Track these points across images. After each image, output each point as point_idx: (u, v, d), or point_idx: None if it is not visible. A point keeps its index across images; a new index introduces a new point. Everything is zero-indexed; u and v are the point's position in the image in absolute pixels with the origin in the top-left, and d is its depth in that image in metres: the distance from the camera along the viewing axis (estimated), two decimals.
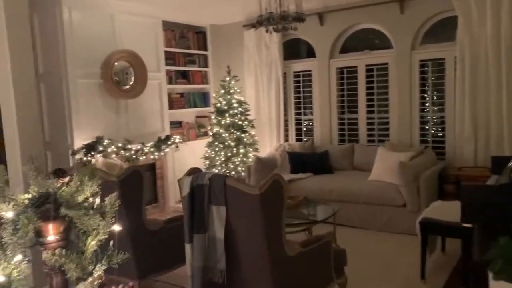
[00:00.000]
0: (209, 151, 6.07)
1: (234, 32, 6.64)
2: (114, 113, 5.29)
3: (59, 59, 4.76)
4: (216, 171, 5.87)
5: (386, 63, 5.67)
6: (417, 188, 4.46)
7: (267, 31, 4.27)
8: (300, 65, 6.43)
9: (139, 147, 5.26)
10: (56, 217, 1.45)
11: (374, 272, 3.64)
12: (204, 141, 6.31)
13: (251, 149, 6.05)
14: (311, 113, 6.40)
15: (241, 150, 5.95)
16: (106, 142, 4.86)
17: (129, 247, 3.05)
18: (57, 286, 1.57)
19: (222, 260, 2.45)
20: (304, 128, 6.59)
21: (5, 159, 3.28)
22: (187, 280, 2.62)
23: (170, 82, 6.14)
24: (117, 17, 5.28)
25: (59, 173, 1.65)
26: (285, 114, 6.53)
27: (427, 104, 5.54)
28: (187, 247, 2.57)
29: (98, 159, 4.76)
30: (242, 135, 5.99)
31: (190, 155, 6.14)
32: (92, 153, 4.73)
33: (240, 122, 5.98)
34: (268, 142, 6.51)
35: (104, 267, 1.49)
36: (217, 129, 6.00)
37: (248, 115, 6.09)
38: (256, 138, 6.17)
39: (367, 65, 5.83)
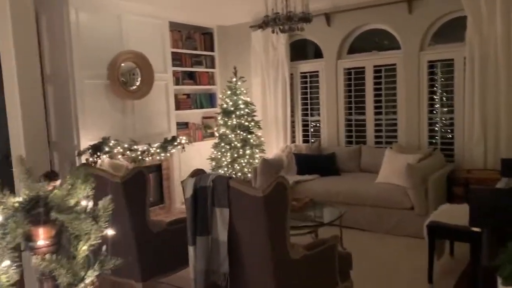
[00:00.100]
0: (215, 152, 6.06)
1: (241, 33, 6.62)
2: (120, 114, 5.30)
3: (66, 60, 4.77)
4: (222, 172, 5.85)
5: (394, 64, 5.61)
6: (425, 191, 4.41)
7: (273, 31, 4.24)
8: (307, 66, 6.39)
9: (145, 148, 5.26)
10: (47, 221, 1.42)
11: (381, 275, 3.59)
12: (211, 142, 6.30)
13: (257, 150, 6.02)
14: (318, 114, 6.35)
15: (248, 151, 5.93)
16: (112, 142, 4.86)
17: (132, 248, 3.05)
18: None
19: (225, 263, 2.43)
20: (311, 130, 6.55)
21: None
22: (191, 282, 2.60)
23: (176, 83, 6.14)
24: (124, 18, 5.29)
25: (51, 176, 1.62)
26: (292, 115, 6.49)
27: (435, 106, 5.46)
28: (190, 249, 2.54)
29: (104, 159, 4.77)
30: (249, 136, 5.96)
31: (196, 156, 6.13)
32: (98, 153, 4.74)
33: (246, 123, 5.95)
34: (275, 143, 6.48)
35: (96, 273, 1.45)
36: (224, 130, 5.98)
37: (254, 116, 6.07)
38: (262, 139, 6.15)
39: (375, 66, 5.77)
